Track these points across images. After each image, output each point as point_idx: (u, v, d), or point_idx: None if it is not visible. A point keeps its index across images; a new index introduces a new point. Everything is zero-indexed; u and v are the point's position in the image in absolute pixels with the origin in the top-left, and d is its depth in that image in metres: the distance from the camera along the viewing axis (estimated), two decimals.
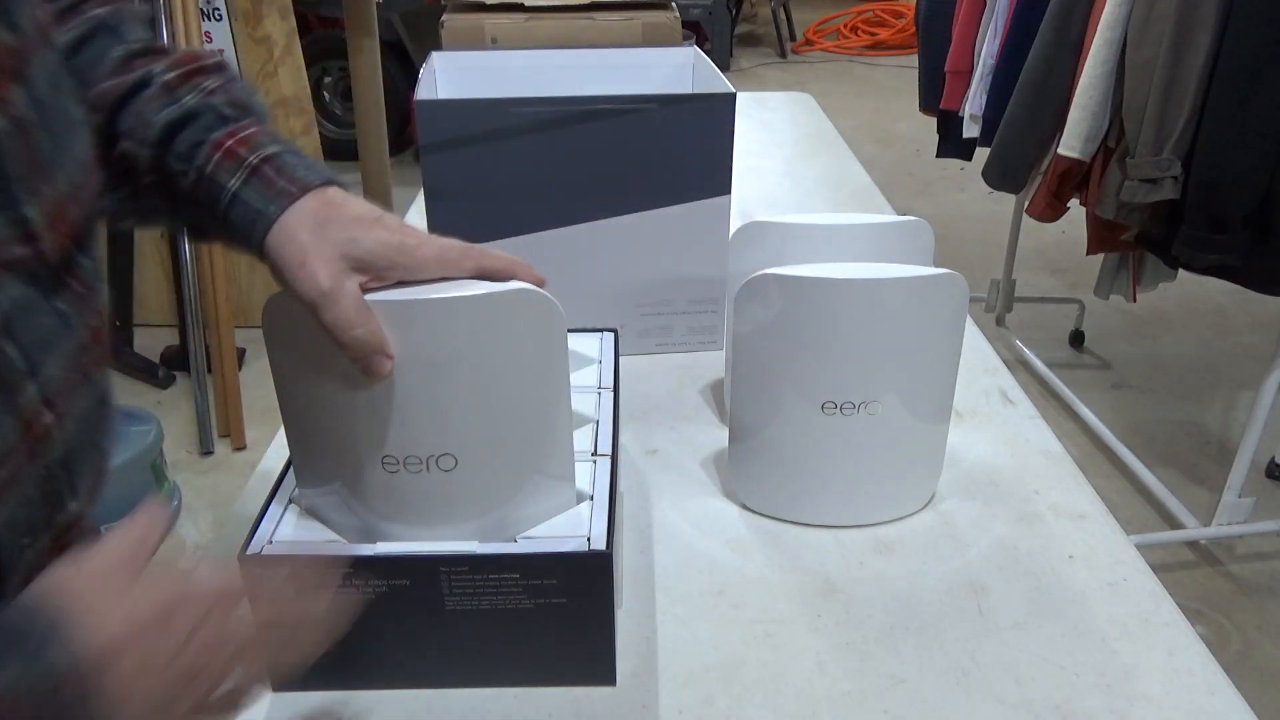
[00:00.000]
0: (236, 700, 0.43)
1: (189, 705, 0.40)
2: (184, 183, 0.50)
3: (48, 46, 0.44)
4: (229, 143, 0.50)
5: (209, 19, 2.39)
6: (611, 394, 0.70)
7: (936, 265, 0.70)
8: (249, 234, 0.49)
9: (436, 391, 0.53)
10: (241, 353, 2.53)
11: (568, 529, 0.57)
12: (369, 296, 0.50)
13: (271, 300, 0.51)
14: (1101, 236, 1.77)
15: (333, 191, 0.51)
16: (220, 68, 0.53)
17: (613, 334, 0.78)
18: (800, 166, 1.49)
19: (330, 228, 0.49)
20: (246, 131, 0.51)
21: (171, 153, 0.50)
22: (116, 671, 0.36)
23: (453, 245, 0.52)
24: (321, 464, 0.57)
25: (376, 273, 0.50)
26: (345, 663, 0.58)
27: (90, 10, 0.52)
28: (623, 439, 0.84)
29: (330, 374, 0.52)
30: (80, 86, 0.48)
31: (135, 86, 0.51)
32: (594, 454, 0.64)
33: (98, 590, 0.37)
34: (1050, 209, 1.82)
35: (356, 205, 0.51)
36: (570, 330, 0.78)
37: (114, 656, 0.36)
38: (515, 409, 0.55)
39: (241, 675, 0.43)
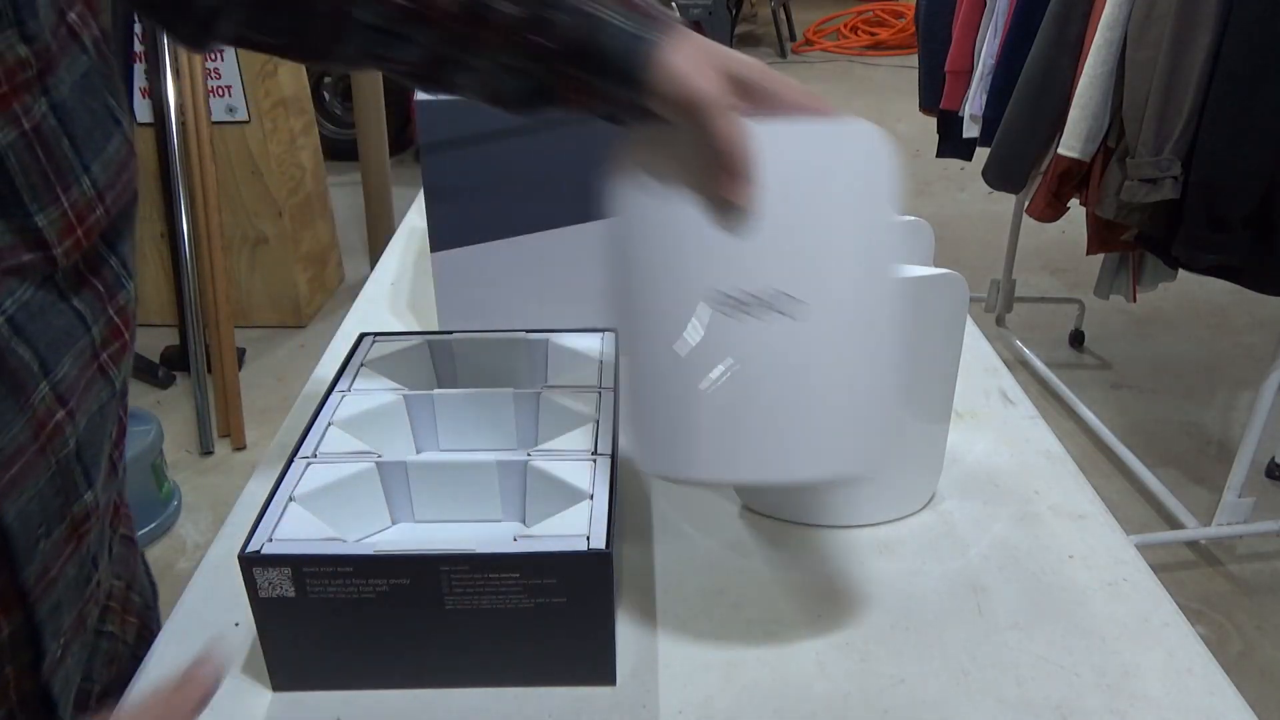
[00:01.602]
0: None
1: None
2: (555, 30, 0.50)
3: (77, 51, 0.44)
4: None
5: None
6: (612, 394, 0.70)
7: (936, 265, 0.70)
8: (629, 58, 0.50)
9: (775, 220, 0.51)
10: (241, 353, 2.53)
11: (568, 529, 0.58)
12: None
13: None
14: (1101, 236, 1.77)
15: (690, 31, 0.52)
16: None
17: (613, 334, 0.78)
18: None
19: (706, 46, 0.50)
20: None
21: (547, 4, 0.50)
22: None
23: (798, 85, 0.52)
24: (651, 317, 0.54)
25: (747, 93, 0.50)
26: (345, 663, 0.58)
27: None
28: (623, 439, 0.84)
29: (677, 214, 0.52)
30: (118, 83, 0.47)
31: None
32: (594, 454, 0.64)
33: None
34: (1050, 209, 1.82)
35: (718, 44, 0.52)
36: (570, 330, 0.78)
37: None
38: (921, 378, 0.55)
39: None
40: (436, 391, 0.72)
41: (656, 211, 0.54)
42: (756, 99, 0.50)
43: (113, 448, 0.54)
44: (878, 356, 0.55)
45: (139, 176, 0.49)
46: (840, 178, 0.53)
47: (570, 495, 0.61)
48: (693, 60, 0.49)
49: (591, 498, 0.60)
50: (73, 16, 0.43)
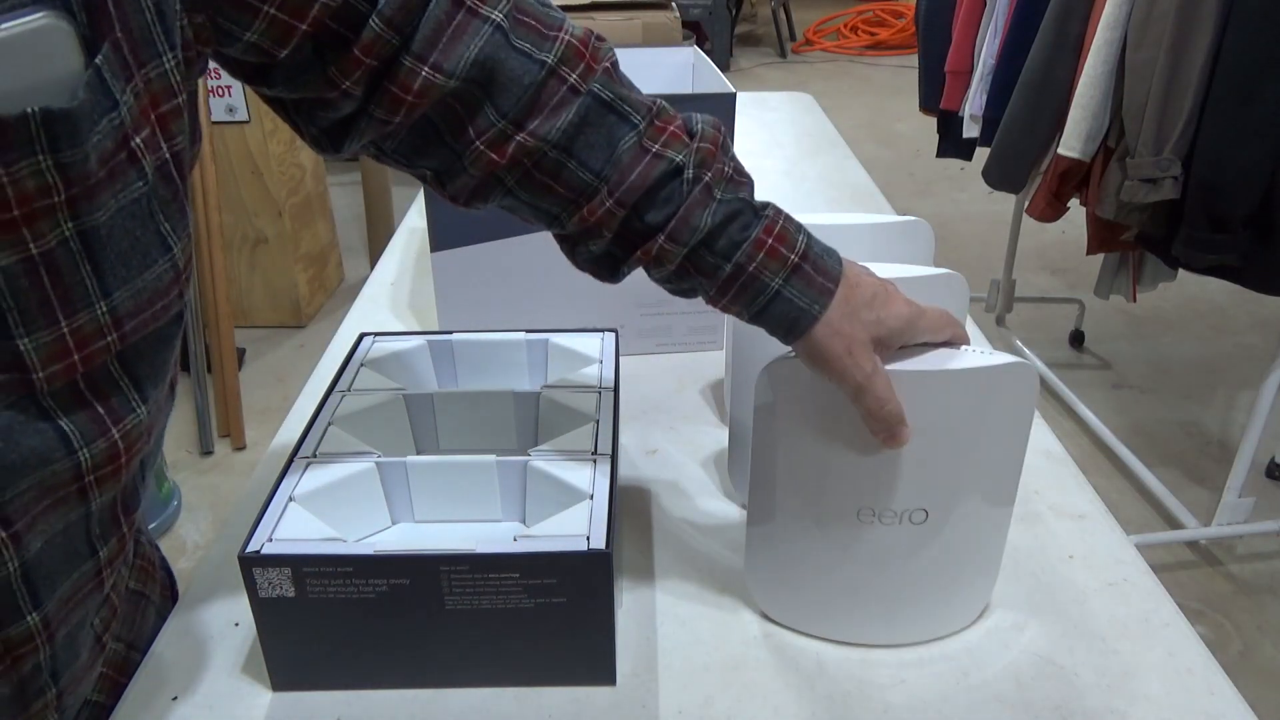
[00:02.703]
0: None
1: None
2: (719, 275, 0.53)
3: (134, 177, 0.42)
4: (769, 241, 0.53)
5: None
6: (612, 394, 0.70)
7: (936, 265, 0.70)
8: (792, 327, 0.53)
9: (922, 451, 0.56)
10: (241, 353, 2.53)
11: (568, 529, 0.58)
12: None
13: (774, 364, 0.56)
14: (1101, 236, 1.77)
15: (849, 272, 0.54)
16: (724, 140, 0.55)
17: (613, 334, 0.78)
18: (800, 166, 1.49)
19: (860, 313, 0.53)
20: (779, 227, 0.53)
21: (711, 250, 0.53)
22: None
23: (941, 314, 0.56)
24: (791, 507, 0.60)
25: (892, 345, 0.55)
26: (345, 663, 0.58)
27: (574, 80, 0.51)
28: (623, 439, 0.84)
29: (826, 432, 0.57)
30: (180, 205, 0.45)
31: (662, 178, 0.52)
32: (594, 454, 0.64)
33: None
34: (1050, 209, 1.82)
35: (869, 281, 0.54)
36: (570, 330, 0.78)
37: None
38: (983, 470, 0.58)
39: None
40: (436, 391, 0.72)
41: (818, 414, 0.57)
42: (898, 343, 0.55)
43: (99, 569, 0.49)
44: (992, 548, 0.63)
45: (182, 300, 0.47)
46: (991, 417, 0.56)
47: (570, 495, 0.61)
48: (842, 338, 0.52)
49: (591, 498, 0.60)
50: (138, 141, 0.41)
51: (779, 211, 0.54)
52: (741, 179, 0.55)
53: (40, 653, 0.48)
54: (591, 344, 0.77)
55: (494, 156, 0.51)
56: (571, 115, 0.51)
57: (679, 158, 0.52)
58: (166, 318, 0.46)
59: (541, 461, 0.64)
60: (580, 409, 0.69)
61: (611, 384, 0.72)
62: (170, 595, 0.69)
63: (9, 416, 0.41)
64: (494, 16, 0.49)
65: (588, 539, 0.56)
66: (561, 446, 0.66)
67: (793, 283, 0.52)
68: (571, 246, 0.58)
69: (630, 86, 0.54)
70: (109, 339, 0.43)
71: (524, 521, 0.68)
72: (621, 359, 0.97)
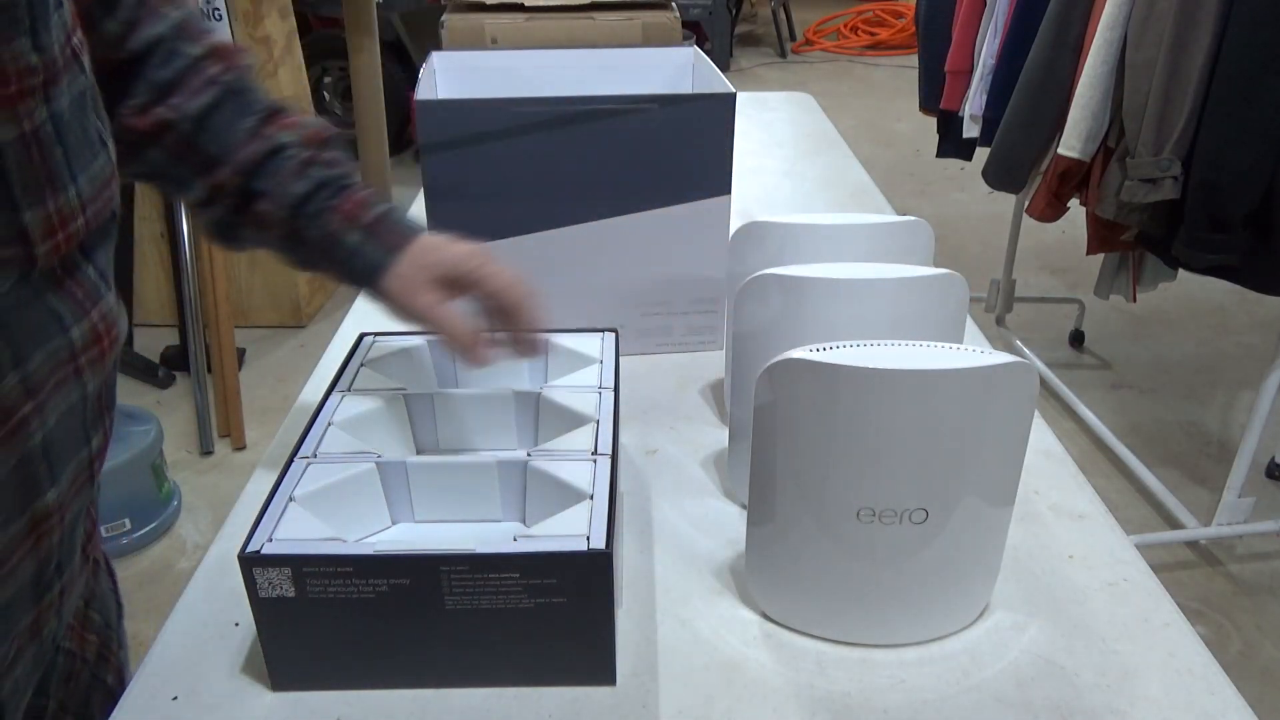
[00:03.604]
0: None
1: None
2: (310, 237, 0.65)
3: (77, 70, 0.47)
4: (348, 206, 0.65)
5: (209, 19, 2.39)
6: (612, 394, 0.70)
7: (936, 265, 0.70)
8: (366, 277, 0.65)
9: (922, 451, 0.56)
10: (241, 353, 2.53)
11: (568, 529, 0.58)
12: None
13: (774, 364, 0.56)
14: (1101, 236, 1.77)
15: (425, 237, 0.67)
16: (333, 140, 0.67)
17: (613, 334, 0.78)
18: (800, 166, 1.49)
19: (424, 260, 0.65)
20: (359, 196, 0.66)
21: (302, 214, 0.64)
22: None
23: (510, 272, 0.67)
24: (791, 507, 0.60)
25: (460, 281, 0.66)
26: (345, 663, 0.58)
27: (213, 72, 0.63)
28: (623, 439, 0.84)
29: (826, 432, 0.57)
30: (104, 113, 0.52)
31: (270, 153, 0.64)
32: (594, 454, 0.64)
33: None
34: (1050, 209, 1.82)
35: (442, 240, 0.67)
36: (570, 330, 0.78)
37: None
38: (983, 470, 0.58)
39: None
40: (436, 391, 0.72)
41: (818, 414, 0.57)
42: (470, 286, 0.66)
43: (91, 459, 0.54)
44: (992, 548, 0.63)
45: (118, 195, 0.52)
46: (991, 417, 0.56)
47: (570, 495, 0.61)
48: (404, 280, 0.65)
49: (591, 498, 0.60)
50: (76, 39, 0.47)
51: (366, 187, 0.67)
52: (336, 165, 0.66)
53: (54, 534, 0.52)
54: (591, 344, 0.77)
55: (136, 123, 0.61)
56: (206, 100, 0.62)
57: (285, 139, 0.64)
58: (110, 209, 0.51)
59: (541, 461, 0.64)
60: (580, 409, 0.69)
61: (611, 384, 0.72)
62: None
63: (17, 292, 0.45)
64: (174, 15, 0.61)
65: (588, 539, 0.56)
66: (561, 446, 0.66)
67: (369, 240, 0.65)
68: (197, 213, 0.67)
69: (260, 88, 0.66)
70: (79, 221, 0.47)
71: (524, 522, 0.68)
72: (621, 359, 0.97)
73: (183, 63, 0.62)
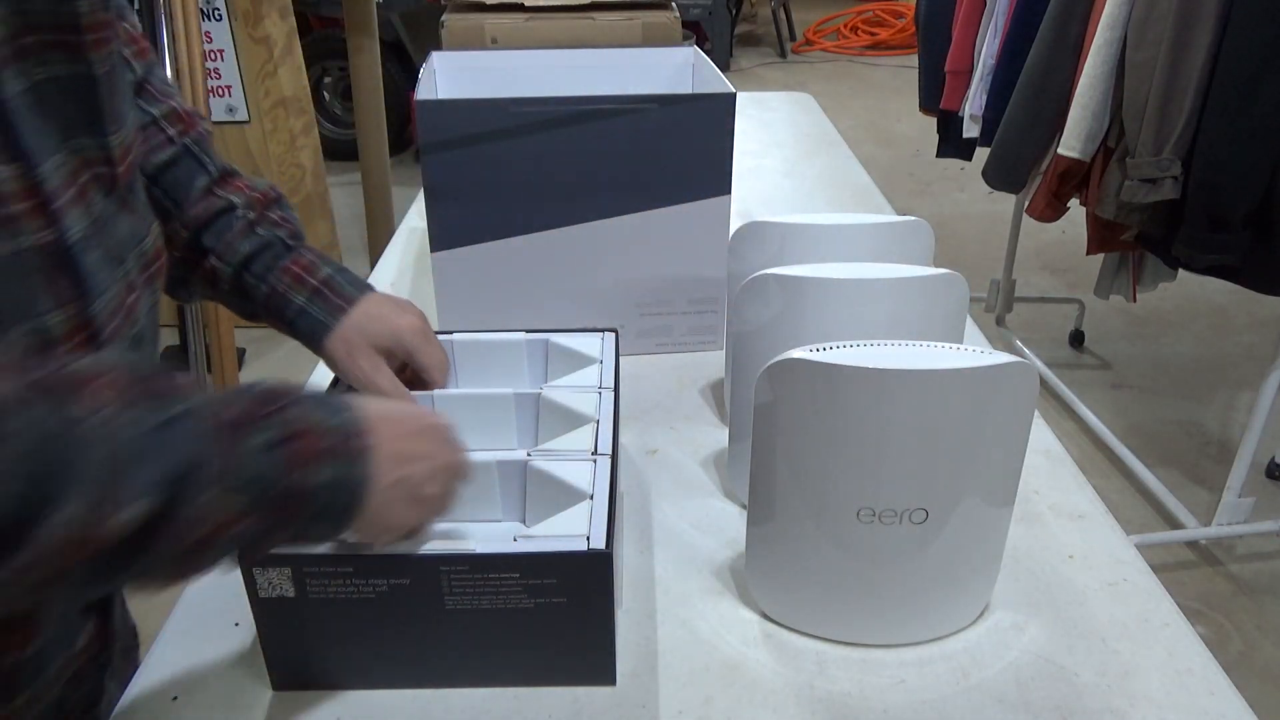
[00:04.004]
0: (420, 533, 0.56)
1: (409, 513, 0.53)
2: (258, 294, 0.68)
3: (110, 35, 0.52)
4: (296, 269, 0.69)
5: (209, 19, 2.39)
6: (611, 394, 0.70)
7: (936, 265, 0.70)
8: (311, 337, 0.69)
9: (922, 451, 0.56)
10: (241, 353, 2.53)
11: (568, 529, 0.58)
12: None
13: (774, 364, 0.56)
14: (1101, 236, 1.77)
15: (370, 298, 0.70)
16: (281, 200, 0.72)
17: (613, 334, 0.78)
18: (800, 166, 1.49)
19: (368, 328, 0.69)
20: (306, 259, 0.69)
21: (249, 272, 0.68)
22: (385, 452, 0.50)
23: (441, 352, 0.72)
24: (791, 507, 0.61)
25: (395, 352, 0.70)
26: (346, 662, 0.58)
27: (172, 133, 0.66)
28: (623, 439, 0.84)
29: (826, 432, 0.57)
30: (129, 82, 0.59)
31: (219, 212, 0.67)
32: (594, 453, 0.64)
33: (378, 403, 0.53)
34: (1050, 209, 1.81)
35: (388, 306, 0.70)
36: (570, 330, 0.78)
37: (387, 441, 0.50)
38: (983, 470, 0.58)
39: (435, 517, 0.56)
40: (437, 392, 0.72)
41: (818, 414, 0.57)
42: (404, 358, 0.70)
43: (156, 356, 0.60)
44: (992, 549, 0.63)
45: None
46: (991, 417, 0.56)
47: (570, 495, 0.61)
48: (346, 344, 0.68)
49: (591, 498, 0.60)
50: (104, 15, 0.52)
51: (313, 250, 0.70)
52: (285, 225, 0.70)
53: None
54: (591, 344, 0.77)
55: None
56: (165, 156, 0.65)
57: (235, 200, 0.68)
58: (135, 168, 0.57)
59: (541, 461, 0.64)
60: (580, 409, 0.69)
61: (611, 384, 0.72)
62: None
63: (109, 205, 0.52)
64: (136, 74, 0.63)
65: (588, 539, 0.56)
66: (561, 446, 0.66)
67: (315, 302, 0.68)
68: None
69: (215, 152, 0.70)
70: (133, 154, 0.55)
71: (524, 521, 0.68)
72: (621, 359, 0.97)
73: (144, 119, 0.64)
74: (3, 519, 0.35)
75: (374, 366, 0.68)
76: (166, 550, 0.41)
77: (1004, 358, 0.55)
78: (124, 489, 0.38)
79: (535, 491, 0.65)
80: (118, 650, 0.63)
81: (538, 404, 0.72)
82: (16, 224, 0.45)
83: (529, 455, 0.65)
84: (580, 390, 0.71)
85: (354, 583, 0.55)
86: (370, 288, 0.72)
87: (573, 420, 0.68)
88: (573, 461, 0.64)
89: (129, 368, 0.41)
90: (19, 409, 0.36)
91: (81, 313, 0.49)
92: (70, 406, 0.37)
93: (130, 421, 0.39)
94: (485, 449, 0.73)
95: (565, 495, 0.61)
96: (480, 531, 0.68)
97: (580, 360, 0.75)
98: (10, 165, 0.44)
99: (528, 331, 0.78)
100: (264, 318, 0.70)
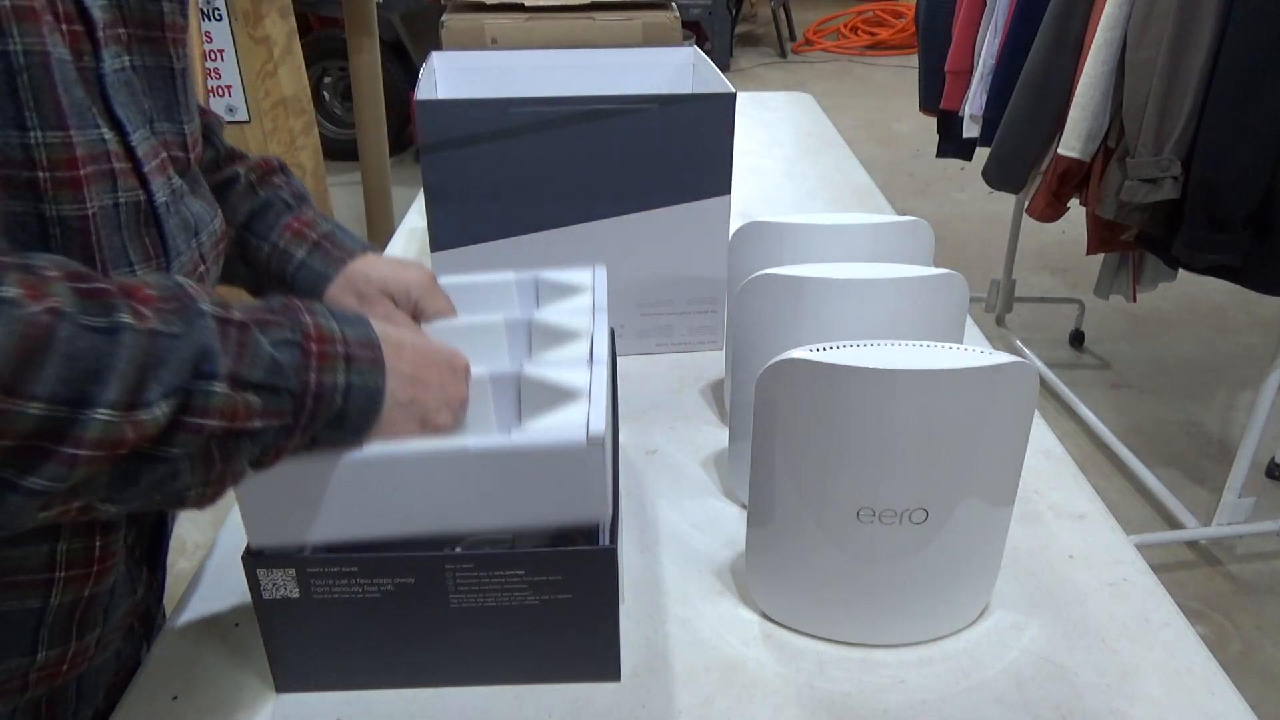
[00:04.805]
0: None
1: (421, 421, 0.55)
2: (260, 255, 0.69)
3: (189, 41, 0.57)
4: (295, 224, 0.70)
5: (209, 19, 2.39)
6: (605, 315, 0.67)
7: (936, 265, 0.71)
8: (311, 290, 0.68)
9: (922, 451, 0.56)
10: None
11: (565, 423, 0.55)
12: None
13: (774, 364, 0.56)
14: (1101, 236, 1.77)
15: (373, 254, 0.71)
16: (284, 168, 0.73)
17: (603, 268, 0.75)
18: (800, 166, 1.49)
19: (374, 275, 0.69)
20: (306, 216, 0.70)
21: (252, 232, 0.69)
22: (400, 371, 0.53)
23: (427, 274, 0.71)
24: (791, 507, 0.60)
25: (400, 301, 0.69)
26: (351, 663, 0.58)
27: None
28: (623, 439, 0.84)
29: (826, 432, 0.57)
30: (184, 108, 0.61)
31: (226, 182, 0.69)
32: (589, 360, 0.61)
33: (394, 328, 0.55)
34: (1050, 209, 1.82)
35: (393, 261, 0.71)
36: (559, 269, 0.75)
37: (403, 362, 0.53)
38: (983, 470, 0.58)
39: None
40: (427, 324, 0.69)
41: (818, 414, 0.57)
42: (409, 307, 0.69)
43: None
44: (992, 548, 0.63)
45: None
46: (991, 417, 0.56)
47: (566, 397, 0.58)
48: (356, 294, 0.68)
49: (589, 396, 0.57)
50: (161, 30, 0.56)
51: (315, 210, 0.72)
52: (287, 187, 0.71)
53: None
54: (581, 276, 0.73)
55: None
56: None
57: (239, 170, 0.70)
58: (200, 159, 0.61)
59: (534, 369, 0.61)
60: (572, 326, 0.65)
61: (604, 306, 0.68)
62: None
63: (183, 185, 0.57)
64: None
65: (586, 429, 0.53)
66: (555, 357, 0.63)
67: (315, 255, 0.69)
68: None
69: (223, 138, 0.72)
70: (198, 149, 0.60)
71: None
72: (621, 359, 0.97)
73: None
74: (48, 416, 0.38)
75: (388, 312, 0.68)
76: (188, 448, 0.44)
77: (1004, 358, 0.55)
78: (150, 390, 0.41)
79: (530, 402, 0.61)
80: (160, 613, 0.66)
81: (529, 329, 0.68)
82: (117, 180, 0.50)
83: (523, 368, 0.61)
84: (572, 313, 0.68)
85: (358, 583, 0.55)
86: (375, 248, 0.72)
87: (565, 337, 0.65)
88: (567, 368, 0.60)
89: (159, 283, 0.45)
90: (69, 315, 0.39)
91: (162, 270, 0.53)
92: (113, 314, 0.41)
93: (158, 328, 0.42)
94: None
95: (561, 398, 0.58)
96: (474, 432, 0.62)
97: (570, 290, 0.72)
98: (111, 130, 0.49)
99: (516, 271, 0.75)
100: (268, 284, 0.70)
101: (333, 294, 0.68)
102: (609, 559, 0.55)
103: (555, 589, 0.56)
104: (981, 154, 2.02)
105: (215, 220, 0.61)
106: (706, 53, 1.06)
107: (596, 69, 1.06)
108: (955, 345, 0.56)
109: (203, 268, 0.58)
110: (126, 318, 0.41)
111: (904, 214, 0.80)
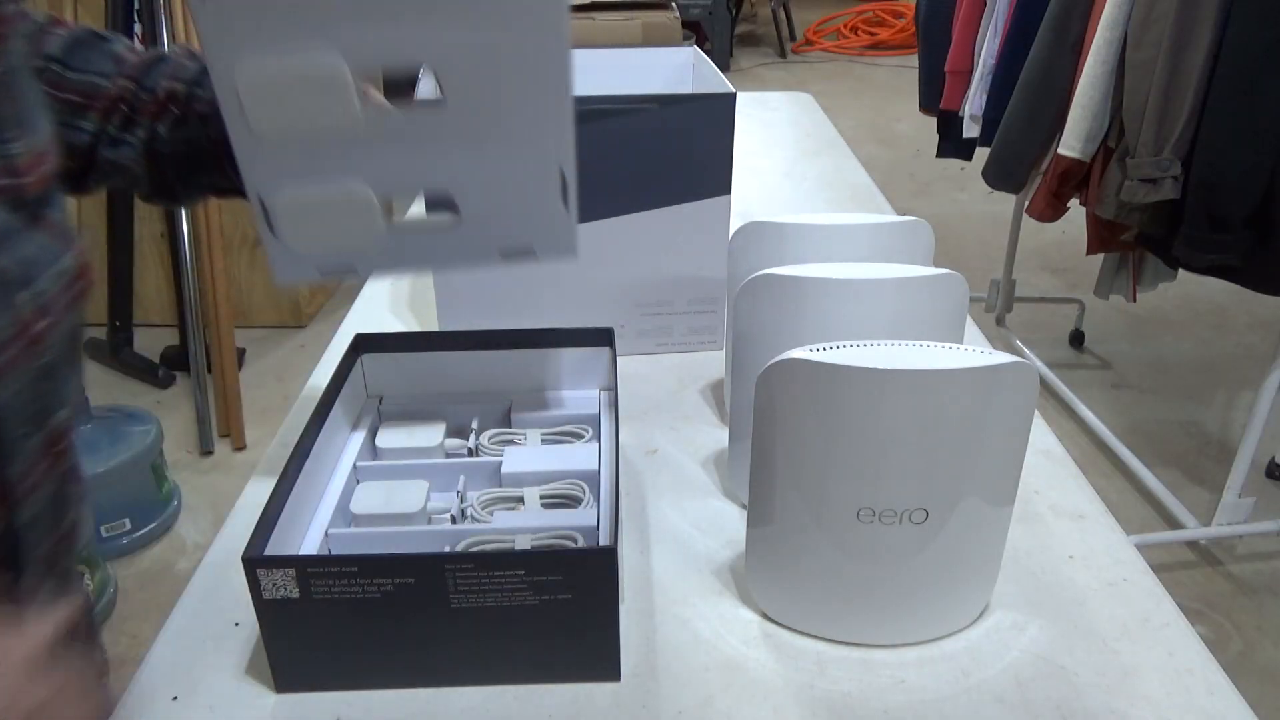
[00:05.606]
0: None
1: None
2: (212, 111, 0.61)
3: (20, 32, 0.50)
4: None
5: None
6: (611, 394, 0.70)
7: (936, 265, 0.71)
8: None
9: (922, 451, 0.56)
10: (241, 353, 2.53)
11: (571, 524, 0.58)
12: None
13: (774, 364, 0.56)
14: (1101, 236, 1.77)
15: None
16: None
17: (610, 330, 0.77)
18: (800, 166, 1.49)
19: None
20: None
21: (203, 87, 0.65)
22: None
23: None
24: (791, 507, 0.60)
25: None
26: (351, 663, 0.58)
27: (56, 30, 0.61)
28: (623, 439, 0.84)
29: (826, 432, 0.57)
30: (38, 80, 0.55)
31: (156, 59, 0.65)
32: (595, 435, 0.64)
33: None
34: (1050, 209, 1.81)
35: None
36: (566, 329, 0.77)
37: None
38: (983, 470, 0.58)
39: None
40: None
41: (818, 414, 0.57)
42: None
43: (80, 384, 0.55)
44: (992, 548, 0.63)
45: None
46: (991, 417, 0.56)
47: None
48: None
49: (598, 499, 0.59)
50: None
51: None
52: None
53: (67, 457, 0.54)
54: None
55: None
56: (63, 36, 0.61)
57: (164, 51, 0.66)
58: (55, 168, 0.52)
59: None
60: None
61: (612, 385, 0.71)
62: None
63: (10, 219, 0.48)
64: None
65: (596, 529, 0.56)
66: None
67: None
68: (133, 172, 0.66)
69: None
70: (44, 168, 0.51)
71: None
72: (621, 359, 0.97)
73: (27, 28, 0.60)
74: None
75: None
76: None
77: (1004, 358, 0.55)
78: None
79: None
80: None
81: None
82: None
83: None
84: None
85: (359, 583, 0.55)
86: None
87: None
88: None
89: None
90: None
91: None
92: None
93: None
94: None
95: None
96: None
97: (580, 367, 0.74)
98: None
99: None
100: (222, 150, 0.63)
101: None
102: (609, 559, 0.55)
103: (555, 589, 0.56)
104: (981, 154, 2.02)
105: (66, 257, 0.51)
106: (706, 53, 1.06)
107: (596, 69, 1.06)
108: (955, 345, 0.56)
109: (42, 323, 0.49)
110: None
111: (904, 214, 0.80)
